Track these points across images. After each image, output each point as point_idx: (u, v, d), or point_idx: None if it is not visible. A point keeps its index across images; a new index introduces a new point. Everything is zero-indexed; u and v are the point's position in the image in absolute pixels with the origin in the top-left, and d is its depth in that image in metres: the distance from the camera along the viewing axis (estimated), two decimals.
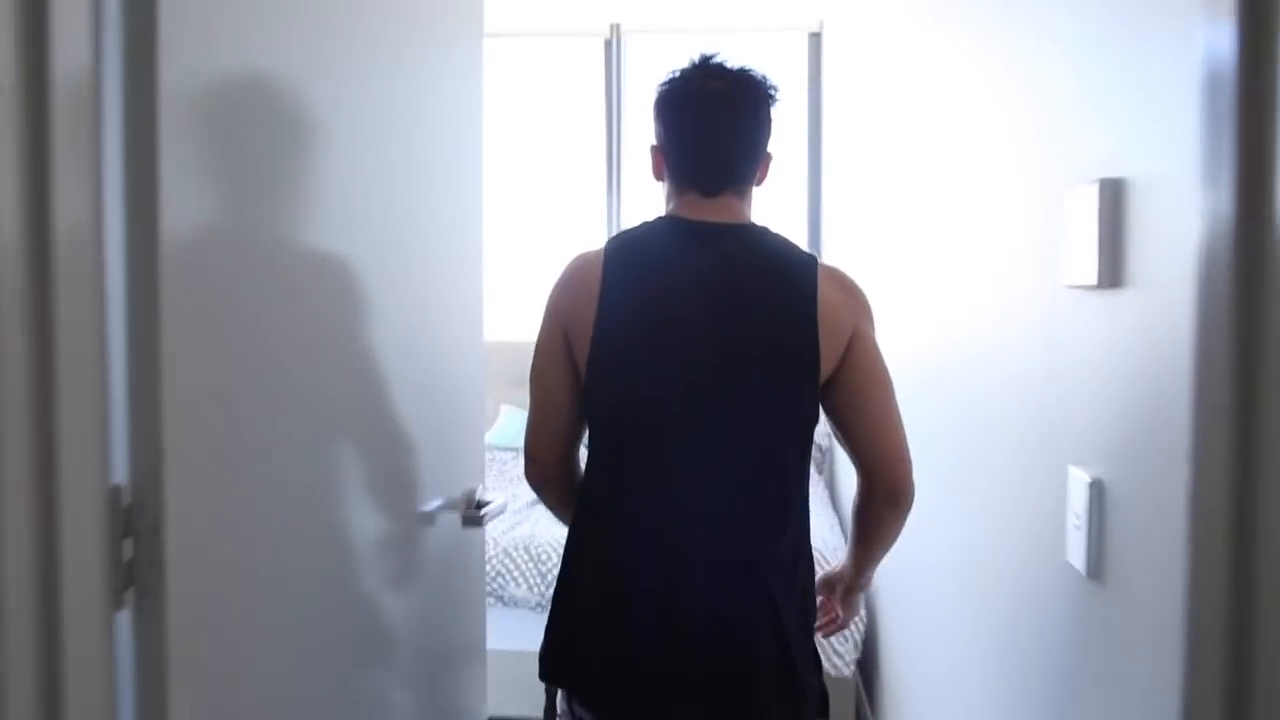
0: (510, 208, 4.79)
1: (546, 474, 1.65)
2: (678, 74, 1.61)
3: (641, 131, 4.47)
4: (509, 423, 4.66)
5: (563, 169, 4.93)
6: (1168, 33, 0.96)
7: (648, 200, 4.17)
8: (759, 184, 1.65)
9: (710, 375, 1.49)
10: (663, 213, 1.63)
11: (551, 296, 1.60)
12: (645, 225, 1.60)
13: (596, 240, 2.74)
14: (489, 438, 4.49)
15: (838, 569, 1.75)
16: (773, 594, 1.49)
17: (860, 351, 1.53)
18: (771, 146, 1.65)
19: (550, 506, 1.72)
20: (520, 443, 2.79)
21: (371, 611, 1.38)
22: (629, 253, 1.56)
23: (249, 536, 1.06)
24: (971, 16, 1.83)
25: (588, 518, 1.57)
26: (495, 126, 4.29)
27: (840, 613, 1.76)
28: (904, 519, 1.60)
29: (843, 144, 4.00)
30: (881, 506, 1.58)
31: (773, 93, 1.61)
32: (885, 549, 1.66)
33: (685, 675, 1.47)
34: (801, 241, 2.87)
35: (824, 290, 1.52)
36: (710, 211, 1.58)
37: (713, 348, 1.50)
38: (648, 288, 1.53)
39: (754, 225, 1.61)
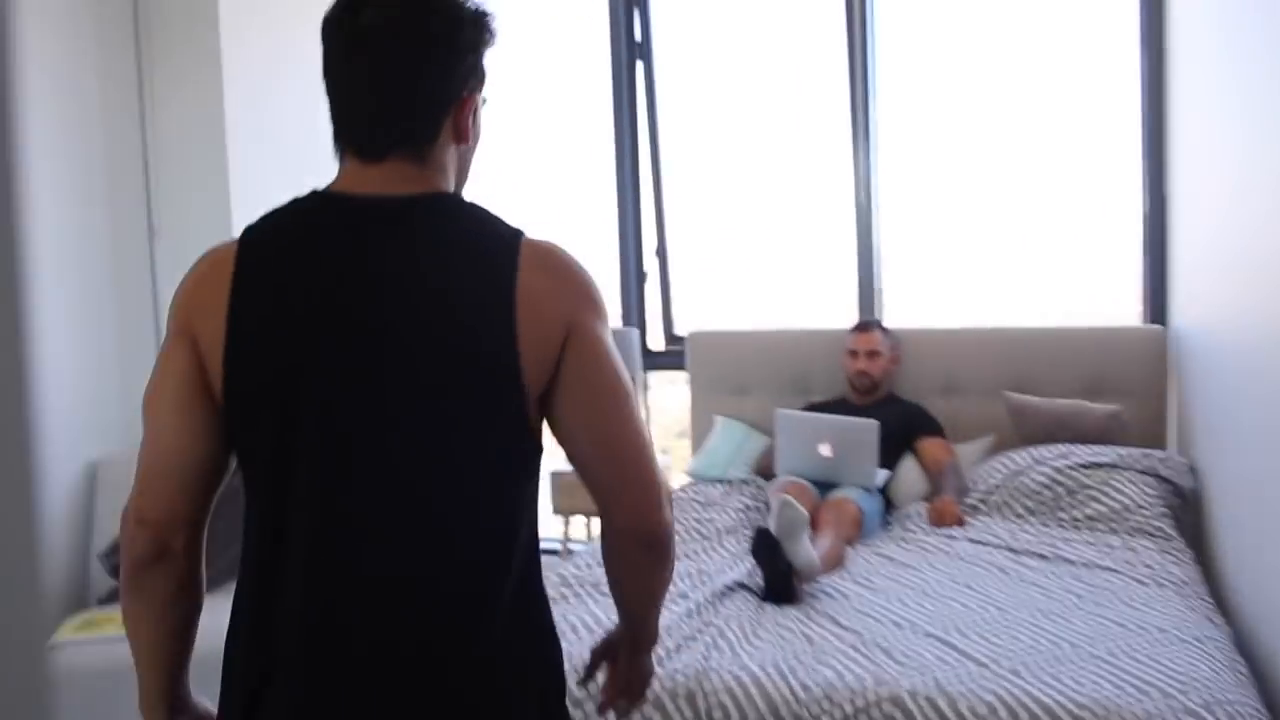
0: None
1: (161, 543, 1.19)
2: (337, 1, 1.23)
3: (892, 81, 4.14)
4: (725, 440, 3.98)
5: (799, 132, 4.47)
6: None
7: (903, 159, 4.32)
8: (461, 141, 1.26)
9: (371, 403, 1.16)
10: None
11: (174, 303, 1.23)
12: (293, 204, 1.24)
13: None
14: (692, 463, 4.00)
15: (613, 631, 1.43)
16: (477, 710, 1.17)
17: (581, 352, 1.18)
18: (484, 90, 1.28)
19: (145, 604, 1.22)
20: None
21: None
22: (266, 246, 1.21)
23: None
24: None
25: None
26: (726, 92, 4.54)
27: (629, 682, 1.42)
28: (662, 567, 1.25)
29: None
30: (628, 552, 1.23)
31: (467, 18, 1.23)
32: (652, 604, 1.32)
33: None
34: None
35: (526, 276, 1.17)
36: (373, 181, 1.21)
37: (372, 366, 1.16)
38: (288, 293, 1.18)
39: (439, 196, 1.23)
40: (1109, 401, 3.60)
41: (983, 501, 3.32)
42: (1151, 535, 2.93)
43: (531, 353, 1.16)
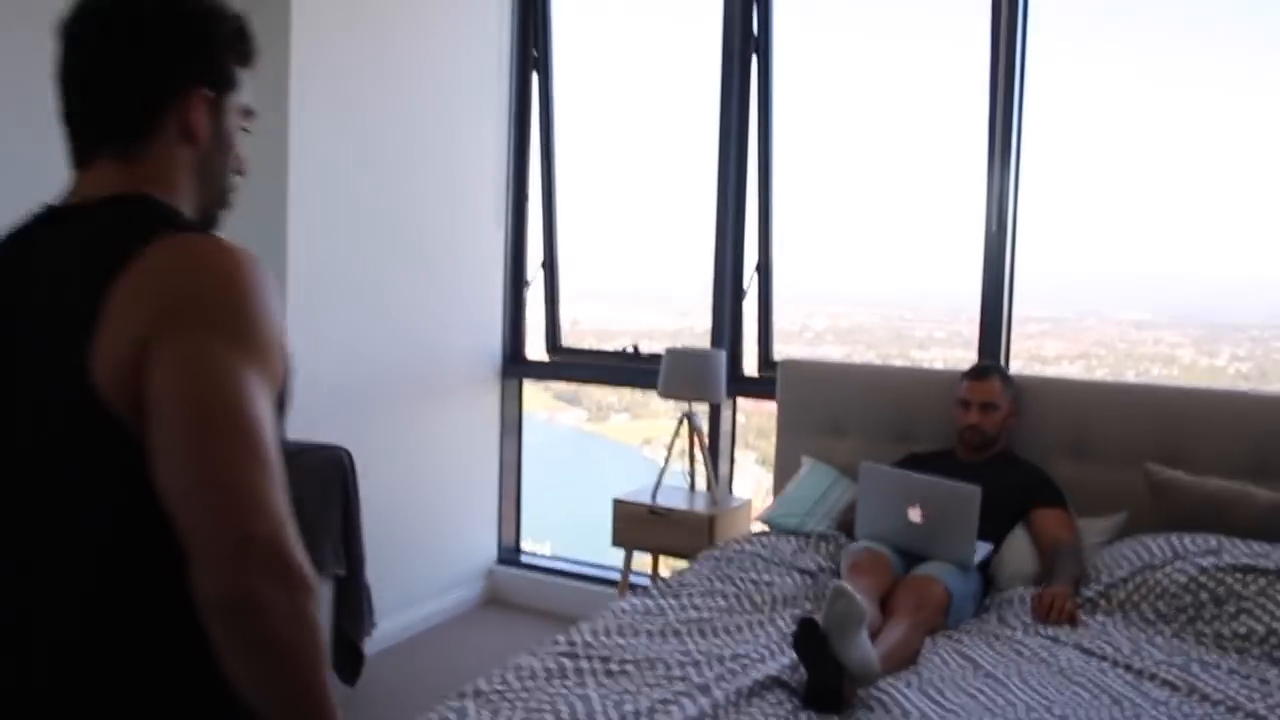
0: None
1: None
2: None
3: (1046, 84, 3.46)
4: (810, 486, 3.49)
5: (926, 144, 3.87)
6: None
7: (1050, 174, 3.50)
8: (191, 141, 1.13)
9: None
10: None
11: None
12: (32, 215, 1.15)
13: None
14: (767, 509, 3.53)
15: None
16: None
17: (162, 368, 0.95)
18: (238, 94, 1.19)
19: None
20: None
21: None
22: None
23: None
24: None
25: None
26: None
27: None
28: (259, 657, 0.93)
29: None
30: (216, 636, 0.93)
31: (155, 8, 1.11)
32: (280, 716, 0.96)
33: None
34: None
35: (125, 280, 0.98)
36: (81, 187, 1.13)
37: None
38: None
39: (124, 198, 1.09)
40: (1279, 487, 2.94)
41: (1104, 596, 2.73)
42: None
43: (105, 369, 0.97)
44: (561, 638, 2.39)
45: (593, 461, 6.98)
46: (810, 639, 2.10)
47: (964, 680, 2.26)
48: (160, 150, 1.12)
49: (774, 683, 2.15)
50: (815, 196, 4.29)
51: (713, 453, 4.20)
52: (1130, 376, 3.97)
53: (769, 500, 3.81)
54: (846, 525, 3.28)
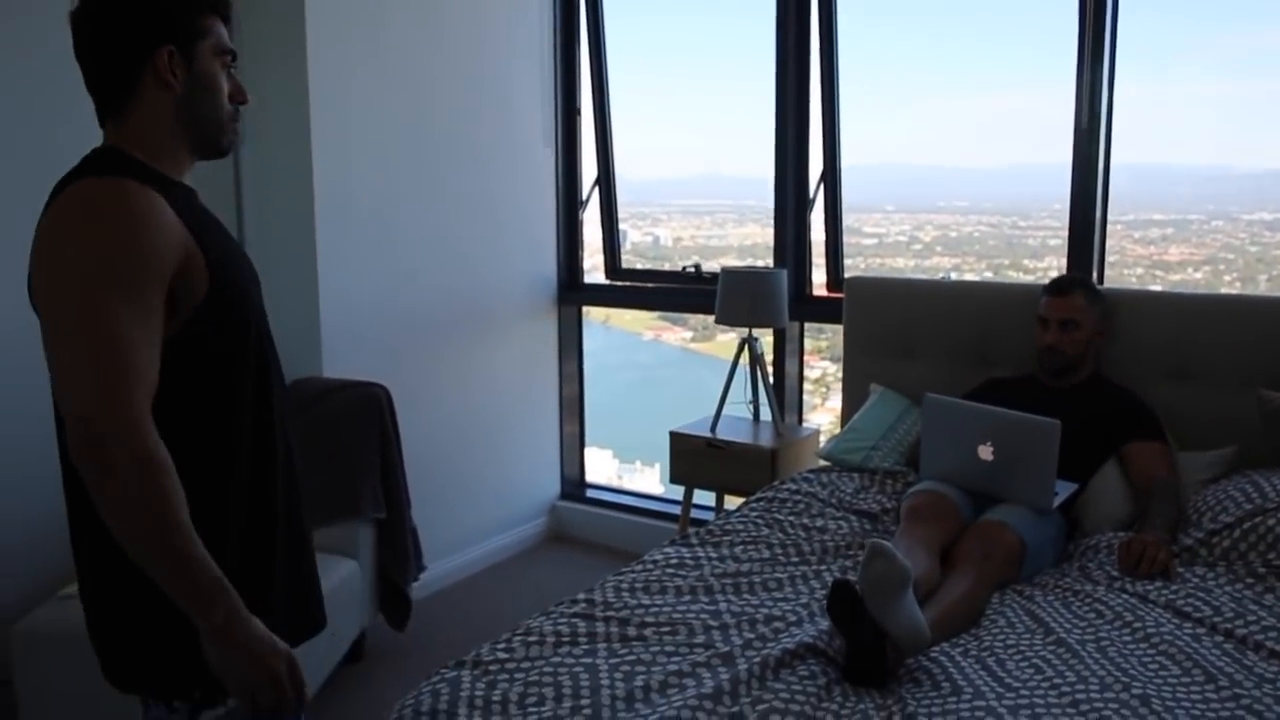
0: None
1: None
2: None
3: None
4: (877, 416, 3.19)
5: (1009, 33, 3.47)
6: None
7: (1157, 66, 3.08)
8: (168, 90, 1.34)
9: None
10: None
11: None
12: None
13: None
14: (828, 442, 3.24)
15: None
16: None
17: (37, 294, 1.26)
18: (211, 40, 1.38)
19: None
20: None
21: None
22: None
23: None
24: None
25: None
26: None
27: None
28: (104, 482, 1.17)
29: None
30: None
31: None
32: (138, 551, 1.19)
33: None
34: None
35: (43, 219, 1.28)
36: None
37: None
38: None
39: (96, 152, 1.36)
40: None
41: (1205, 545, 2.39)
42: None
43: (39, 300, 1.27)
44: (582, 595, 2.19)
45: (698, 381, 6.77)
46: (845, 604, 1.85)
47: (1030, 647, 1.98)
48: (142, 107, 1.35)
49: (809, 651, 1.91)
50: (897, 96, 3.89)
51: (778, 381, 3.93)
52: (1263, 282, 3.63)
53: None
54: (917, 461, 2.98)
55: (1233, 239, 3.77)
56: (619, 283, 4.40)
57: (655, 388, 7.04)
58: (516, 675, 1.85)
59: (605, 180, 4.32)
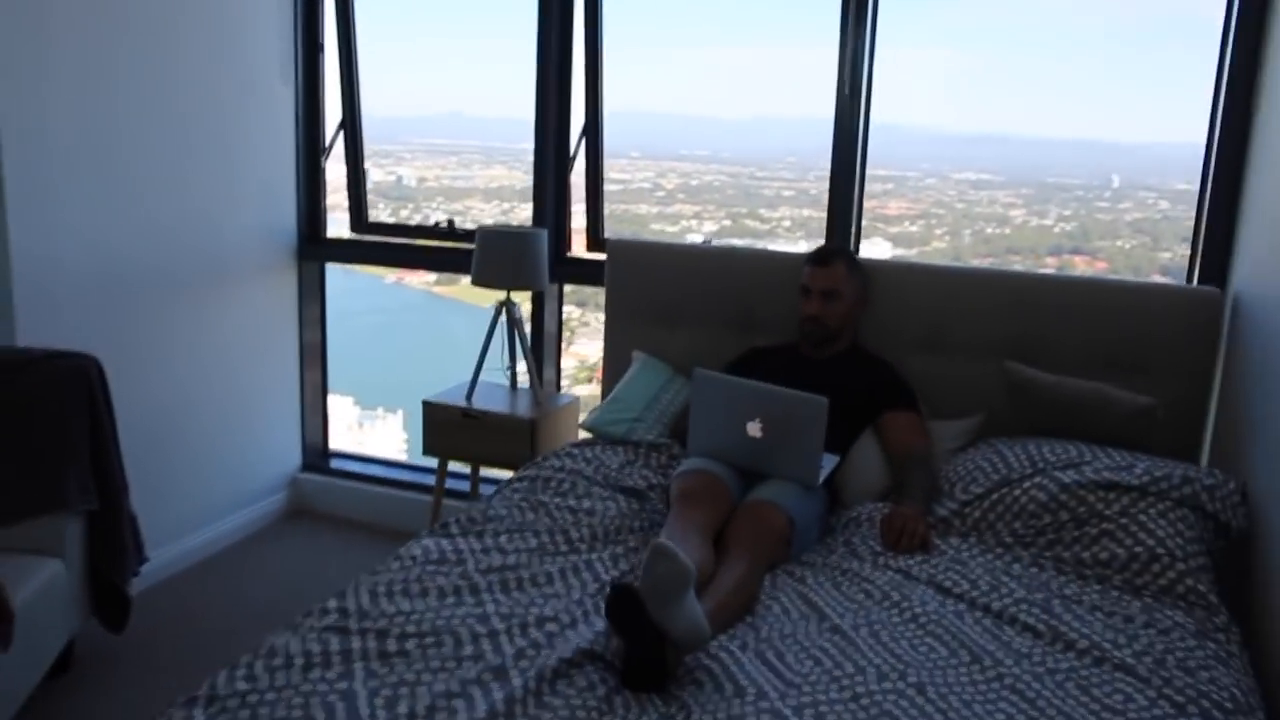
0: None
1: None
2: None
3: None
4: (640, 385, 3.10)
5: None
6: None
7: (901, 32, 3.10)
8: None
9: None
10: None
11: None
12: None
13: None
14: (590, 413, 3.10)
15: None
16: None
17: None
18: None
19: None
20: None
21: None
22: None
23: None
24: None
25: None
26: None
27: None
28: None
29: None
30: None
31: None
32: None
33: None
34: None
35: None
36: None
37: None
38: None
39: None
40: (1133, 383, 2.73)
41: (958, 516, 2.47)
42: (1186, 602, 2.09)
43: None
44: (333, 603, 1.96)
45: (443, 328, 6.45)
46: (626, 608, 1.74)
47: (807, 636, 1.95)
48: None
49: (585, 658, 1.79)
50: (655, 44, 3.78)
51: (536, 346, 3.77)
52: (967, 235, 3.92)
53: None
54: (682, 433, 2.93)
55: (943, 195, 4.00)
56: (365, 236, 4.08)
57: (398, 333, 6.71)
58: (260, 710, 1.60)
59: (351, 124, 3.96)
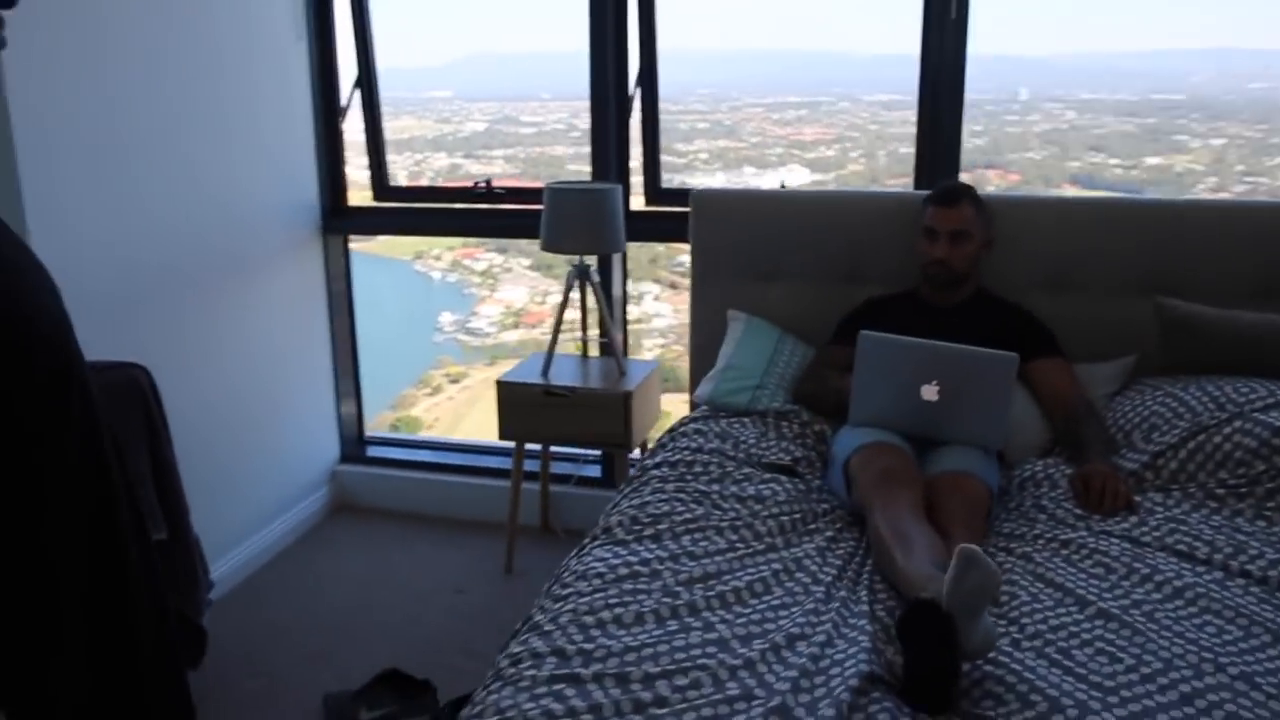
0: None
1: None
2: None
3: None
4: (752, 349, 2.83)
5: None
6: None
7: None
8: None
9: None
10: None
11: None
12: None
13: None
14: (705, 385, 2.80)
15: None
16: None
17: None
18: None
19: None
20: None
21: None
22: None
23: None
24: None
25: None
26: None
27: None
28: None
29: None
30: None
31: None
32: None
33: None
34: None
35: None
36: None
37: None
38: None
39: None
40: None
41: (1150, 469, 2.28)
42: None
43: None
44: (537, 642, 1.68)
45: (370, 288, 6.11)
46: (928, 627, 1.50)
47: (1078, 625, 1.74)
48: None
49: (869, 683, 1.55)
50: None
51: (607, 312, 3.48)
52: (882, 157, 3.93)
53: (682, 366, 3.17)
54: (806, 397, 2.69)
55: (856, 119, 4.01)
56: (390, 203, 3.71)
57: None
58: None
59: (366, 79, 3.57)
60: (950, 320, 2.62)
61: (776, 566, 1.94)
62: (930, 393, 2.26)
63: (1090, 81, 3.79)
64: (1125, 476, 2.26)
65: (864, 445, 2.23)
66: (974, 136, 3.74)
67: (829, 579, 1.91)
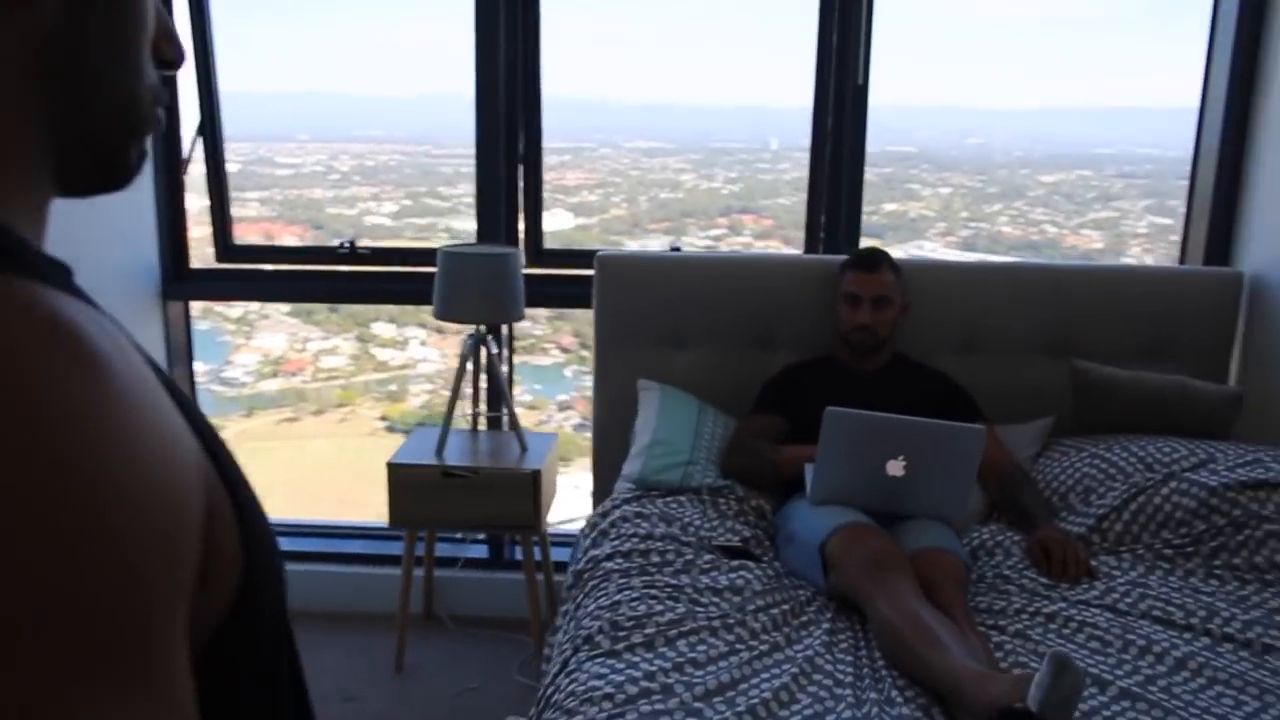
0: None
1: None
2: None
3: None
4: (678, 422, 2.68)
5: None
6: None
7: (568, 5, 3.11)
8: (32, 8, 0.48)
9: None
10: None
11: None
12: None
13: None
14: (634, 463, 2.61)
15: None
16: None
17: None
18: None
19: None
20: None
21: None
22: None
23: None
24: None
25: None
26: None
27: None
28: None
29: None
30: None
31: None
32: None
33: None
34: None
35: None
36: None
37: None
38: None
39: None
40: (1165, 368, 2.73)
41: (1096, 531, 2.33)
42: None
43: None
44: None
45: None
46: None
47: (1110, 710, 1.70)
48: None
49: None
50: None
51: (491, 385, 3.24)
52: (643, 202, 4.15)
53: (580, 439, 3.00)
54: (739, 471, 2.58)
55: (618, 164, 4.15)
56: (234, 265, 3.33)
57: None
58: None
59: (211, 125, 3.19)
60: (872, 386, 2.61)
61: (791, 669, 1.81)
62: (897, 468, 2.21)
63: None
64: (1075, 540, 2.30)
65: (841, 527, 2.15)
66: (729, 183, 4.08)
67: (849, 679, 1.79)
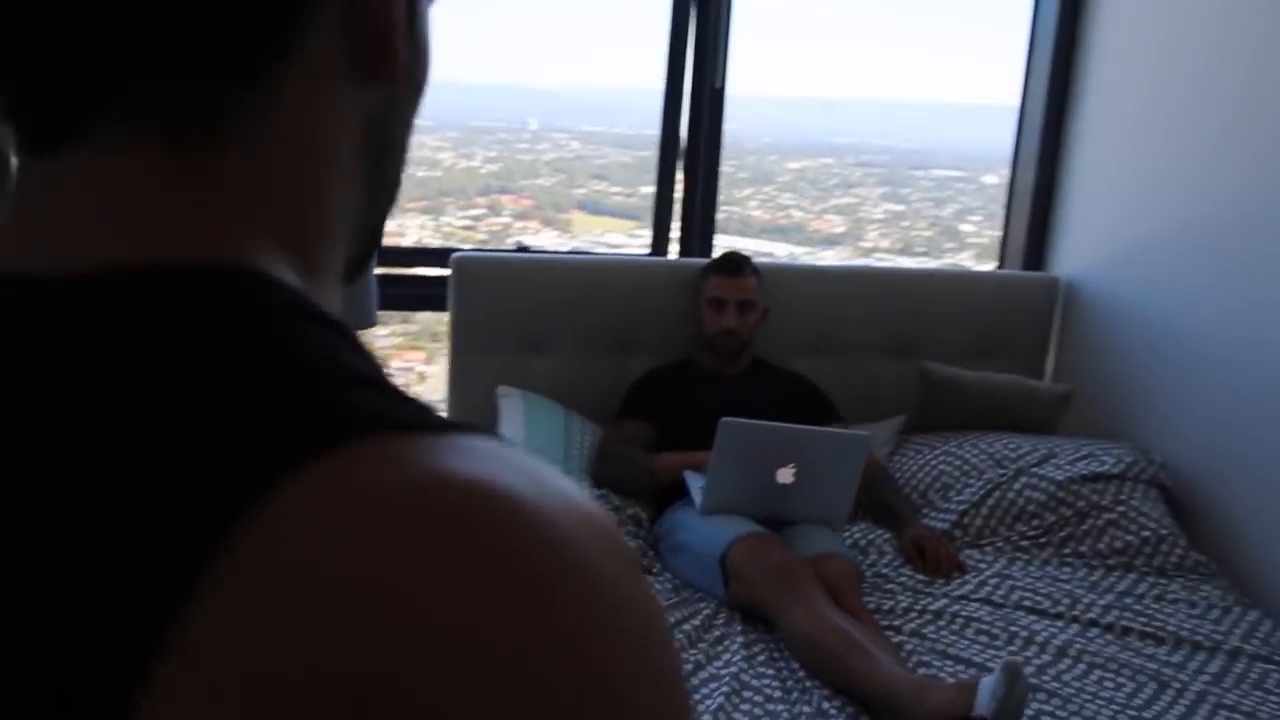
0: None
1: None
2: None
3: None
4: (547, 431, 2.63)
5: None
6: None
7: None
8: (381, 69, 0.38)
9: None
10: None
11: None
12: None
13: None
14: None
15: None
16: None
17: None
18: None
19: None
20: None
21: None
22: None
23: None
24: None
25: None
26: None
27: None
28: None
29: None
30: None
31: None
32: None
33: None
34: None
35: (248, 598, 0.27)
36: (32, 217, 0.35)
37: None
38: None
39: (174, 277, 0.33)
40: (998, 367, 2.94)
41: (958, 526, 2.47)
42: (1199, 574, 2.31)
43: None
44: None
45: None
46: None
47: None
48: (282, 119, 0.36)
49: None
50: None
51: None
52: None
53: None
54: (612, 480, 2.54)
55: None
56: None
57: None
58: None
59: None
60: (735, 389, 2.64)
61: (723, 688, 1.80)
62: (787, 475, 2.24)
63: (592, 114, 4.13)
64: (941, 536, 2.42)
65: (742, 538, 2.16)
66: (488, 163, 4.09)
67: (778, 693, 1.81)
